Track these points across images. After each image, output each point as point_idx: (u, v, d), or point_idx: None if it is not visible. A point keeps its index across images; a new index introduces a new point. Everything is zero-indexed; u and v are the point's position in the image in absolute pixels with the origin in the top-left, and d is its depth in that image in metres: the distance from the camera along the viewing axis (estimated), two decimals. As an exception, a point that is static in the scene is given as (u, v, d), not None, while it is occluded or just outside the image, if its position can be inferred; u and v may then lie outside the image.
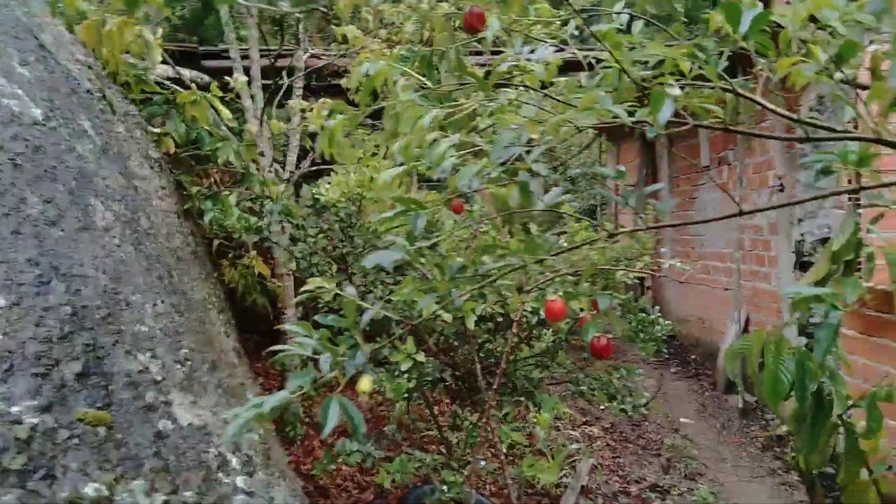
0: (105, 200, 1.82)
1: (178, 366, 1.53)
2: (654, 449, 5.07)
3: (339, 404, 0.89)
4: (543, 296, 3.05)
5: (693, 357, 7.36)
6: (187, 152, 3.20)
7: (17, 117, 1.71)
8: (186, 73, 4.43)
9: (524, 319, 2.79)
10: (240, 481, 1.41)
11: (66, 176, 1.75)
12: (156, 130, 3.16)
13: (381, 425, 5.03)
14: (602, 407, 3.16)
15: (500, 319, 2.85)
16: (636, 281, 9.31)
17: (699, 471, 4.72)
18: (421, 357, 2.71)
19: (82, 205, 1.72)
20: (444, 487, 2.76)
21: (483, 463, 3.47)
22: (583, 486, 4.30)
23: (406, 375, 2.88)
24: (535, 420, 3.36)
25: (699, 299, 7.40)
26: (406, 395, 2.92)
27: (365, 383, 0.95)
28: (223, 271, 3.43)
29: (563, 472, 4.46)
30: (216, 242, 3.31)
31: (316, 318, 1.18)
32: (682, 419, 5.75)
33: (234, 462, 1.44)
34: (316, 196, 2.98)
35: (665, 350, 3.55)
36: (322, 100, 3.21)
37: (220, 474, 1.38)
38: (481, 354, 3.33)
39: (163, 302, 1.69)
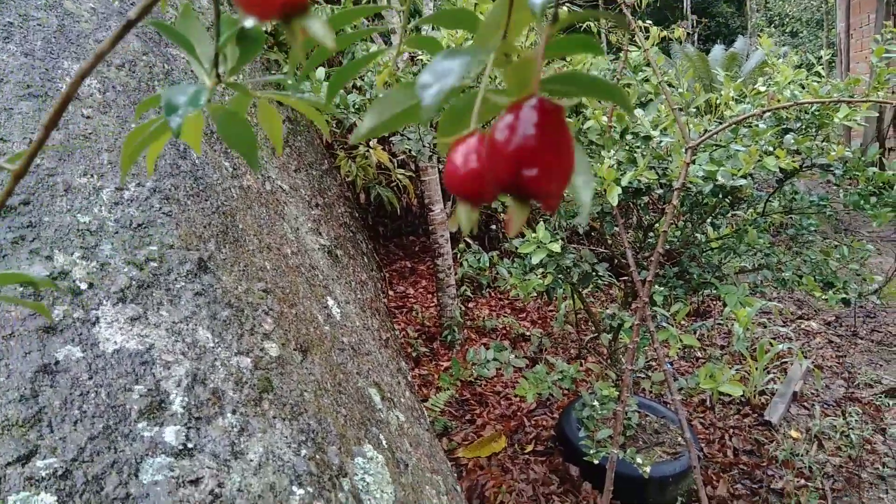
0: (92, 67, 1.47)
1: (130, 268, 1.15)
2: (893, 345, 4.06)
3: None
4: (717, 157, 2.31)
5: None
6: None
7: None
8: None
9: (690, 189, 2.09)
10: (168, 434, 0.96)
11: (29, 36, 1.42)
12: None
13: (547, 329, 4.58)
14: (824, 297, 2.39)
15: (659, 191, 2.17)
16: (876, 140, 7.67)
17: (961, 371, 3.68)
18: (556, 247, 2.15)
19: (42, 69, 1.38)
20: (595, 403, 2.26)
21: (640, 372, 2.88)
22: (795, 393, 3.53)
23: (541, 270, 2.35)
24: (732, 317, 2.68)
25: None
26: (542, 293, 2.40)
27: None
28: (340, 164, 3.06)
29: (771, 376, 3.70)
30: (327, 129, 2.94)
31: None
32: (936, 306, 4.57)
33: (177, 403, 1.03)
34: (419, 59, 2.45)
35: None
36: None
37: (141, 424, 0.96)
38: (649, 239, 2.69)
39: (141, 185, 1.31)
